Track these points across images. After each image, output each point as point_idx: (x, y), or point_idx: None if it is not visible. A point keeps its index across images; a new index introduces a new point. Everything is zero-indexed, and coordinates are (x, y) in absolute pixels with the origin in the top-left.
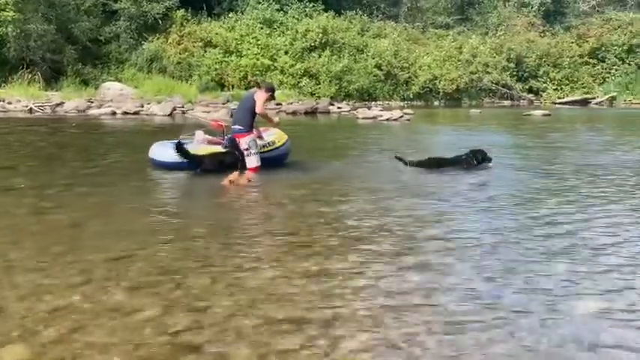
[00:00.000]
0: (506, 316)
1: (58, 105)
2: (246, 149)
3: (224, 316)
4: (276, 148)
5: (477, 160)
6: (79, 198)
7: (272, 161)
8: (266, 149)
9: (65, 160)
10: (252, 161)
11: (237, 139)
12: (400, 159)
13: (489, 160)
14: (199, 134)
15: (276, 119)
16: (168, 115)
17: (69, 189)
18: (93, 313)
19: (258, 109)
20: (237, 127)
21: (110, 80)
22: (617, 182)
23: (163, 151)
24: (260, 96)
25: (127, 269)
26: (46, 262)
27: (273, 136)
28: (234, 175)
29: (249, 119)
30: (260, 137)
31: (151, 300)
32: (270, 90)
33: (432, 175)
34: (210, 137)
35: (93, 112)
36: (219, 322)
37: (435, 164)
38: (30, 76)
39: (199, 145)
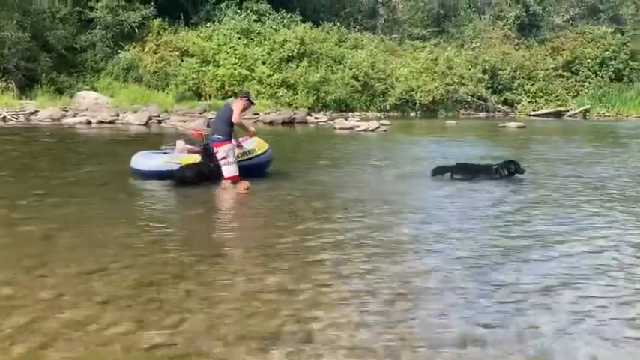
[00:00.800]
0: (482, 331)
1: (32, 114)
2: (223, 158)
3: (198, 331)
4: (256, 156)
5: (508, 170)
6: (51, 209)
7: (252, 170)
8: (245, 158)
9: (38, 170)
10: (229, 170)
11: (214, 148)
12: (438, 172)
13: (522, 171)
14: (180, 144)
15: (252, 129)
16: (144, 124)
17: (41, 200)
18: (64, 328)
19: (234, 119)
20: (215, 136)
21: (85, 89)
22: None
23: (145, 160)
24: (237, 105)
25: (99, 283)
26: (17, 275)
27: (253, 144)
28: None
29: (227, 129)
30: (239, 146)
31: (124, 314)
32: (245, 95)
33: (414, 186)
34: (190, 147)
35: (67, 121)
36: (192, 337)
37: (463, 171)
38: (4, 84)
39: (180, 155)
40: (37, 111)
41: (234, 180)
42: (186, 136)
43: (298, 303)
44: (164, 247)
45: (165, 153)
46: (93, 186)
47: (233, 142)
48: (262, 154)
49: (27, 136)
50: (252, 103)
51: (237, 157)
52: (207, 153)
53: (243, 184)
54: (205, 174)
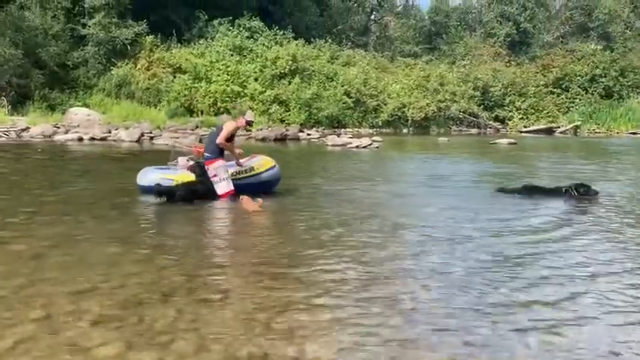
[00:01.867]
0: (469, 351)
1: (23, 130)
2: (214, 176)
3: (188, 351)
4: (257, 174)
5: (578, 192)
6: (42, 227)
7: (254, 187)
8: (243, 175)
9: (29, 187)
10: (221, 187)
11: (206, 165)
12: (502, 190)
13: (595, 192)
14: (182, 160)
15: (238, 150)
16: (136, 141)
17: (32, 218)
18: (54, 348)
19: (218, 140)
20: (206, 154)
21: (77, 105)
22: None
23: (144, 175)
24: (228, 125)
25: (89, 302)
26: (6, 294)
27: (255, 162)
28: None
29: (216, 147)
30: (239, 164)
31: (114, 335)
32: (244, 114)
33: (408, 204)
34: (191, 163)
35: (59, 137)
36: (182, 358)
37: (533, 191)
38: None
39: (177, 171)
40: (29, 127)
41: (228, 196)
42: (182, 153)
43: (290, 324)
44: (155, 266)
45: (168, 169)
46: (84, 203)
47: (222, 160)
48: (264, 171)
49: (18, 153)
50: (251, 124)
51: (239, 174)
52: (202, 170)
53: (252, 205)
54: (199, 192)
